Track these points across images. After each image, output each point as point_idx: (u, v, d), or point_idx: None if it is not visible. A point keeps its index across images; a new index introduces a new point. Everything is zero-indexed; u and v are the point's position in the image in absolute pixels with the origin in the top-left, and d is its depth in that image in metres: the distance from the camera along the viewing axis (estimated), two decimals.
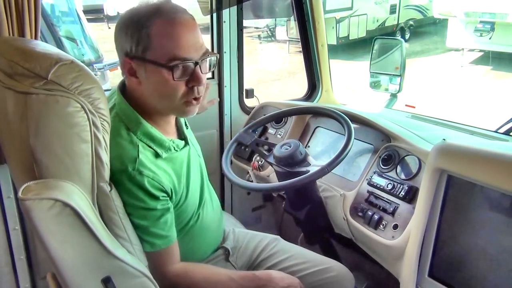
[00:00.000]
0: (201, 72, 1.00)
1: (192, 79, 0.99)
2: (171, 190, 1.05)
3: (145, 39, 0.94)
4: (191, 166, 1.15)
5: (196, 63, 0.98)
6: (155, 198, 1.00)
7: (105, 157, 0.87)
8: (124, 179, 0.96)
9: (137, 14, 0.96)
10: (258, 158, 1.68)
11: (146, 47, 0.95)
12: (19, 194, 0.72)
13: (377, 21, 10.58)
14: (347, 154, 1.27)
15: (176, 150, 1.09)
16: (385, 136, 1.45)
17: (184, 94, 1.01)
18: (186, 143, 1.15)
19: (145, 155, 1.01)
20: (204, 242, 1.24)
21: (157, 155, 1.04)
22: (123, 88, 1.08)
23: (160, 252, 1.05)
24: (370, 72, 2.10)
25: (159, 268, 1.06)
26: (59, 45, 3.24)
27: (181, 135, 1.18)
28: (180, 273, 1.08)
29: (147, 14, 0.95)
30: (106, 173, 0.88)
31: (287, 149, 1.39)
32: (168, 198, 1.04)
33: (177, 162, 1.10)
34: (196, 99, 1.03)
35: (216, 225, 1.29)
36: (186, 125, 1.24)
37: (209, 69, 1.07)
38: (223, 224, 1.35)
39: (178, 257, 1.10)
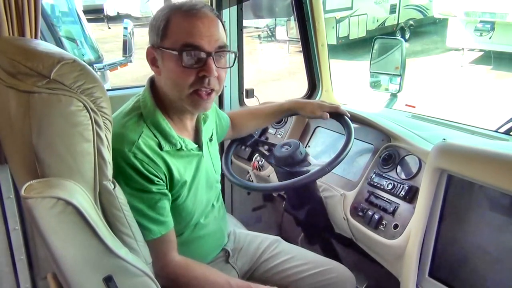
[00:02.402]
0: (215, 65, 1.02)
1: (203, 69, 1.01)
2: (166, 178, 1.06)
3: (164, 29, 1.01)
4: (199, 174, 1.15)
5: (209, 54, 1.01)
6: (150, 181, 1.01)
7: (108, 156, 0.87)
8: (119, 158, 0.97)
9: (164, 9, 1.04)
10: (258, 158, 1.69)
11: (164, 36, 1.02)
12: (22, 192, 0.72)
13: (377, 21, 10.58)
14: (347, 153, 1.27)
15: (183, 150, 1.10)
16: (385, 136, 1.46)
17: (193, 83, 1.02)
18: (200, 150, 1.16)
19: (146, 142, 1.03)
20: (203, 251, 1.24)
21: (160, 147, 1.05)
22: (153, 81, 1.12)
23: (159, 239, 1.05)
24: (370, 72, 2.10)
25: (161, 258, 1.06)
26: (59, 45, 3.23)
27: (198, 141, 1.18)
28: (181, 265, 1.09)
29: (171, 8, 1.03)
30: (109, 171, 0.88)
31: (287, 149, 1.40)
32: (164, 184, 1.05)
33: (182, 161, 1.10)
34: (207, 93, 1.05)
35: (217, 236, 1.29)
36: (211, 138, 1.26)
37: (226, 65, 1.09)
38: (225, 232, 1.35)
39: (176, 245, 1.11)
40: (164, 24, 1.01)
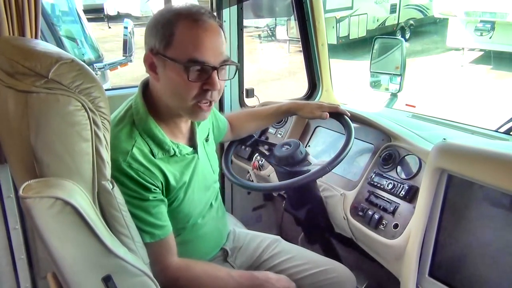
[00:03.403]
0: (218, 78, 1.02)
1: (207, 83, 1.01)
2: (163, 185, 1.06)
3: (168, 37, 0.99)
4: (195, 177, 1.15)
5: (214, 68, 1.00)
6: (146, 189, 1.01)
7: (106, 155, 0.87)
8: (114, 169, 0.97)
9: (167, 12, 1.01)
10: (258, 157, 1.68)
11: (168, 45, 0.99)
12: (20, 192, 0.72)
13: (377, 20, 10.58)
14: (347, 153, 1.27)
15: (176, 155, 1.10)
16: (386, 135, 1.46)
17: (196, 96, 1.02)
18: (195, 152, 1.16)
19: (140, 150, 1.02)
20: (201, 251, 1.24)
21: (153, 154, 1.05)
22: (147, 84, 1.11)
23: (159, 243, 1.05)
24: (371, 72, 2.10)
25: (161, 261, 1.06)
26: (59, 44, 3.24)
27: (193, 142, 1.18)
28: (181, 266, 1.09)
29: (175, 13, 1.00)
30: (108, 171, 0.88)
31: (287, 148, 1.40)
32: (160, 191, 1.05)
33: (177, 166, 1.10)
34: (208, 103, 1.05)
35: (215, 236, 1.29)
36: (207, 138, 1.26)
37: (228, 77, 1.09)
38: (224, 232, 1.34)
39: (176, 249, 1.11)
40: (169, 32, 0.98)
